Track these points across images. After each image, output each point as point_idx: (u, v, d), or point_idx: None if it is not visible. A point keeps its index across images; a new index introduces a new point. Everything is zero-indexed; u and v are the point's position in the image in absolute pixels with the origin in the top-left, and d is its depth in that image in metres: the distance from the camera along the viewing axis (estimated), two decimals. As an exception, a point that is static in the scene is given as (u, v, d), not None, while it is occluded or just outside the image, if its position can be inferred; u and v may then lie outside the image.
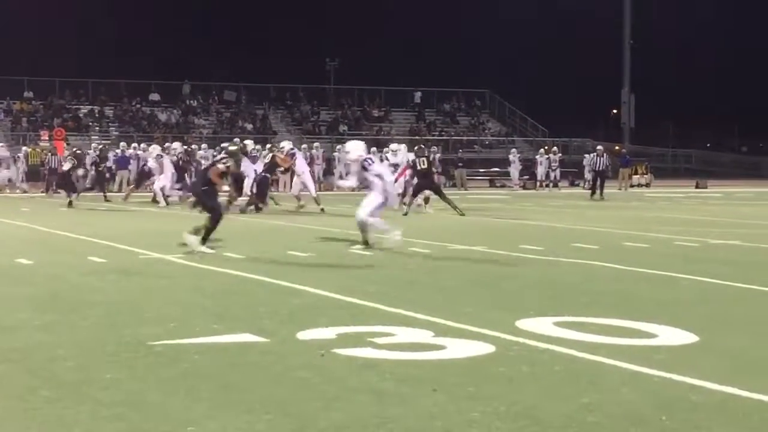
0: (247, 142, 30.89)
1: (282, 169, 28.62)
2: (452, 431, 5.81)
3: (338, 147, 46.94)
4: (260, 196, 27.01)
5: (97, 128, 61.48)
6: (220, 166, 16.10)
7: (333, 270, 13.67)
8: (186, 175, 32.16)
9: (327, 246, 17.13)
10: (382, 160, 27.30)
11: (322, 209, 26.68)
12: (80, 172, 31.57)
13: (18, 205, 30.67)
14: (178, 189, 30.71)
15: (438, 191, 27.51)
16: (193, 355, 7.79)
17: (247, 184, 26.99)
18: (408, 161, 28.34)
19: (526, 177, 51.44)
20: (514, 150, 54.82)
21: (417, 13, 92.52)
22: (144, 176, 34.71)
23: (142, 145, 42.75)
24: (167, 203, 30.09)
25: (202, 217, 15.83)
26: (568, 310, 9.98)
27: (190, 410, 6.21)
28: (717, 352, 8.06)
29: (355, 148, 16.97)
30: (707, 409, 6.29)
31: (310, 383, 6.88)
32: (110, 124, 63.27)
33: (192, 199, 16.88)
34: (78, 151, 33.63)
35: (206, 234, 15.48)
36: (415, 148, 28.63)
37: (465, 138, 67.19)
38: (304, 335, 8.57)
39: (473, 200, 27.15)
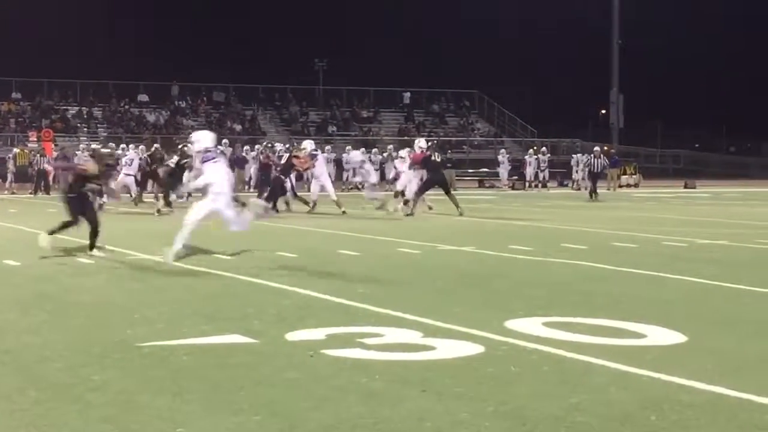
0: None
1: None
2: (441, 431, 5.82)
3: (347, 148, 47.31)
4: (272, 198, 26.03)
5: (86, 129, 61.34)
6: (83, 167, 15.64)
7: (322, 271, 13.65)
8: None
9: (316, 247, 17.11)
10: (372, 162, 27.35)
11: (344, 212, 26.08)
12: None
13: (6, 206, 30.58)
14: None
15: (446, 187, 27.07)
16: (182, 356, 7.78)
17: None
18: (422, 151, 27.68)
19: (515, 177, 51.49)
20: (503, 150, 54.87)
21: (405, 13, 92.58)
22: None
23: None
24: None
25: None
26: (557, 311, 9.99)
27: (180, 411, 6.21)
28: (705, 352, 8.08)
29: (202, 139, 15.12)
30: (696, 408, 6.30)
31: (299, 384, 6.88)
32: (98, 125, 63.14)
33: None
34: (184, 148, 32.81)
35: (92, 241, 15.18)
36: (435, 141, 28.56)
37: (454, 138, 67.22)
38: (293, 336, 8.57)
39: (462, 201, 27.10)
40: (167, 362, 7.57)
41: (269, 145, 35.67)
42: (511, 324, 9.14)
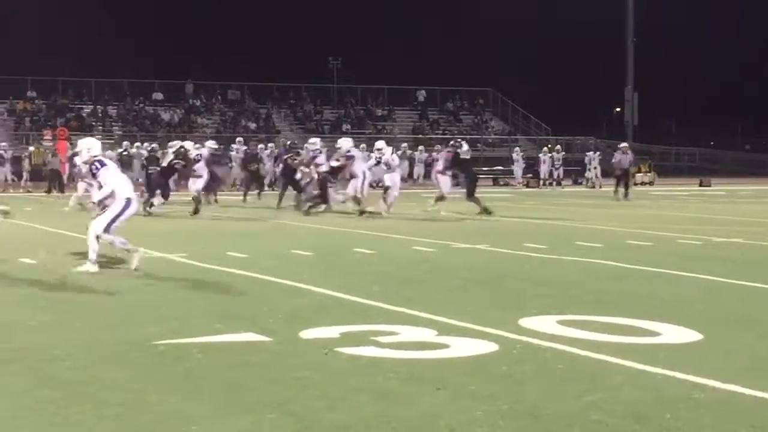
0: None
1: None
2: (456, 430, 5.80)
3: (362, 146, 46.93)
4: (323, 197, 25.67)
5: (101, 128, 61.48)
6: None
7: (336, 269, 13.65)
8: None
9: (331, 245, 17.10)
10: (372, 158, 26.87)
11: (363, 212, 25.09)
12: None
13: (21, 204, 30.65)
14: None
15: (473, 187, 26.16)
16: (195, 354, 7.78)
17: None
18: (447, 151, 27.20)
19: (530, 175, 51.45)
20: (517, 148, 54.82)
21: (420, 12, 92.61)
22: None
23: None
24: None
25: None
26: (571, 309, 9.96)
27: (193, 410, 6.20)
28: (720, 350, 8.05)
29: (92, 147, 13.77)
30: (711, 407, 6.28)
31: (313, 382, 6.87)
32: (113, 123, 63.28)
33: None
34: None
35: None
36: (458, 140, 28.08)
37: (468, 136, 67.05)
38: (307, 334, 8.56)
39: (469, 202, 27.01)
40: (181, 361, 7.57)
41: (287, 143, 35.62)
42: (526, 322, 9.12)
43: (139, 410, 6.18)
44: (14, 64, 61.92)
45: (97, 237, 13.15)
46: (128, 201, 13.37)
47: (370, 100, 71.99)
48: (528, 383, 6.90)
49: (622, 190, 35.41)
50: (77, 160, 15.46)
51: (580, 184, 52.49)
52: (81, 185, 26.43)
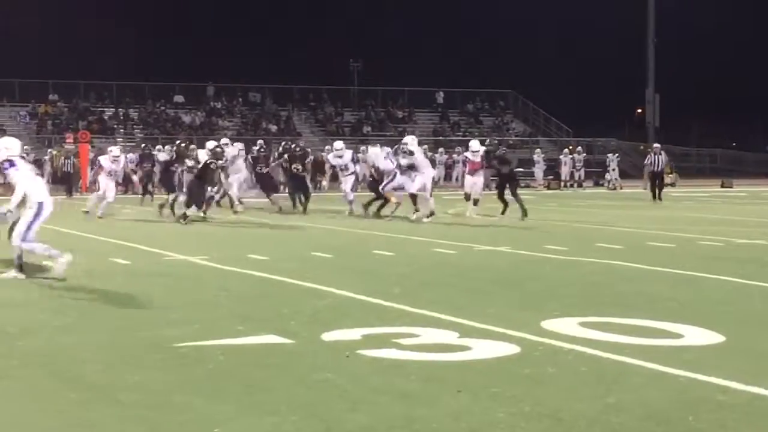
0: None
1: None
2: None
3: (362, 149, 46.63)
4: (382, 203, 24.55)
5: (122, 131, 61.67)
6: None
7: (357, 271, 13.66)
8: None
9: (350, 247, 17.12)
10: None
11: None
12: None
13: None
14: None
15: (504, 189, 25.21)
16: (218, 356, 7.81)
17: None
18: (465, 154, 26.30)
19: (551, 177, 51.31)
20: (538, 150, 54.71)
21: (440, 13, 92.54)
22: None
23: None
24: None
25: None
26: (593, 311, 9.95)
27: (216, 412, 6.23)
28: (743, 352, 8.03)
29: (12, 146, 12.95)
30: (734, 409, 6.27)
31: (335, 384, 6.89)
32: (135, 126, 63.46)
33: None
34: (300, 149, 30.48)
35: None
36: (487, 141, 27.35)
37: (489, 138, 67.01)
38: (328, 336, 8.58)
39: (497, 200, 26.92)
40: (203, 362, 7.59)
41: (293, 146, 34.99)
42: (547, 324, 9.11)
43: (162, 412, 6.21)
44: (36, 67, 62.24)
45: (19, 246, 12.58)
46: (40, 205, 12.60)
47: (391, 102, 71.98)
48: (550, 385, 6.90)
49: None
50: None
51: (602, 185, 52.36)
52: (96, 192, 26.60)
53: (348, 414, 6.15)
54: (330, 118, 68.87)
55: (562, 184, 50.42)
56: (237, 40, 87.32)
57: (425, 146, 50.38)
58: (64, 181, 41.46)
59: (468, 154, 26.42)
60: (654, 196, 34.67)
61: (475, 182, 25.76)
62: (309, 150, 39.63)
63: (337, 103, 70.95)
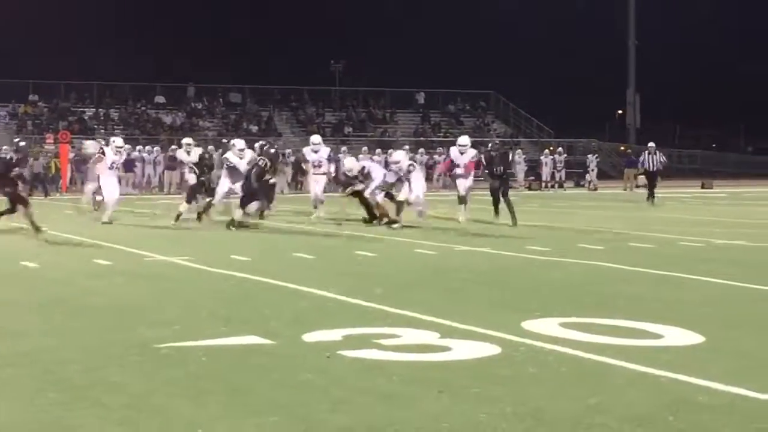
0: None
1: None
2: (459, 433, 5.82)
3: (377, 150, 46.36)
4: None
5: (103, 131, 61.46)
6: None
7: (338, 272, 13.66)
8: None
9: (333, 248, 17.13)
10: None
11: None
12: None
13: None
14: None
15: (501, 194, 23.65)
16: (199, 357, 7.80)
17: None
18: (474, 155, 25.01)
19: (532, 178, 51.42)
20: (519, 151, 54.77)
21: (421, 14, 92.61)
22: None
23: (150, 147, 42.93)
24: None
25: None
26: (574, 311, 9.97)
27: (197, 413, 6.22)
28: (723, 353, 8.06)
29: None
30: (714, 409, 6.29)
31: (316, 385, 6.89)
32: (115, 126, 63.28)
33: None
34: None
35: None
36: (492, 143, 25.98)
37: (471, 139, 66.95)
38: (310, 337, 8.57)
39: (478, 201, 27.03)
40: (185, 364, 7.58)
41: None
42: (528, 325, 9.13)
43: (144, 413, 6.20)
44: (16, 67, 61.98)
45: None
46: None
47: (372, 102, 71.99)
48: (531, 386, 6.91)
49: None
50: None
51: (582, 186, 52.51)
52: (88, 187, 26.35)
53: (329, 414, 6.15)
54: (311, 119, 68.82)
55: (543, 184, 50.51)
56: (217, 41, 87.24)
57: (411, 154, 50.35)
58: (38, 182, 41.17)
59: (455, 150, 25.28)
60: (649, 196, 33.67)
61: (468, 185, 24.63)
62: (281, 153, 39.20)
63: (319, 104, 70.93)
